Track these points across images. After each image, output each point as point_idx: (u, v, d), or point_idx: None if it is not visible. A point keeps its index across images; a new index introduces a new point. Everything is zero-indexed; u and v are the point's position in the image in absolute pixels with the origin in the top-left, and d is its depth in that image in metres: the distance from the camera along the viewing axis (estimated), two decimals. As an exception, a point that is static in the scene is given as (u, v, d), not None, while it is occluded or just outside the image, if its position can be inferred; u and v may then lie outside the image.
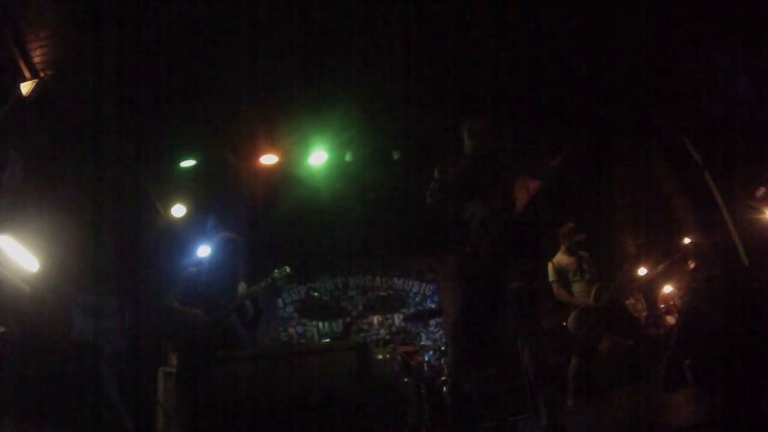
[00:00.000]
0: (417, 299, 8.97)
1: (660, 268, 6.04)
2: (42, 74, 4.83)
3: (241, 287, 4.36)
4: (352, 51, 5.25)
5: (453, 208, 3.51)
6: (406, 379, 5.45)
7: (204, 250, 7.08)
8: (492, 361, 3.19)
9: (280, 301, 8.58)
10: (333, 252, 8.62)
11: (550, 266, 5.43)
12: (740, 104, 5.17)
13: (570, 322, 5.29)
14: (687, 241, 6.33)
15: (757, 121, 5.03)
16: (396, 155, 6.65)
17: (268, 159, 6.48)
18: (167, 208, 6.88)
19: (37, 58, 4.73)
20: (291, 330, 8.52)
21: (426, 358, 5.95)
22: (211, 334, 3.99)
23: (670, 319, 6.67)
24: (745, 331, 3.82)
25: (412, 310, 8.59)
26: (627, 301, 6.95)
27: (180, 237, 6.97)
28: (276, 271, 4.39)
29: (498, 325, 3.22)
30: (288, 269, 4.39)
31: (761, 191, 5.41)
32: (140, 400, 5.33)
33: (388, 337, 7.71)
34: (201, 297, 4.13)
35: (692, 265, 5.72)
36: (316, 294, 8.56)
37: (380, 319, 8.60)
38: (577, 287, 5.37)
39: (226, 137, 6.29)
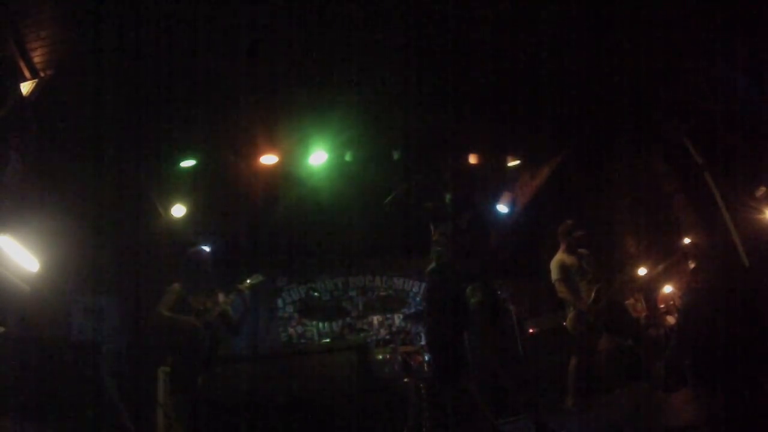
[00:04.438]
0: (417, 299, 8.96)
1: (660, 268, 6.05)
2: (42, 74, 4.83)
3: (221, 298, 4.41)
4: (353, 51, 5.25)
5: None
6: (406, 379, 5.45)
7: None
8: (464, 373, 3.22)
9: (280, 301, 8.58)
10: (333, 252, 8.62)
11: (553, 265, 5.42)
12: (740, 104, 5.17)
13: (569, 322, 5.28)
14: (687, 241, 6.34)
15: (757, 121, 5.03)
16: (396, 155, 6.65)
17: (268, 159, 6.47)
18: (167, 208, 6.88)
19: (37, 58, 4.73)
20: (291, 330, 8.52)
21: (426, 358, 5.94)
22: (202, 338, 4.03)
23: (670, 319, 6.67)
24: (745, 331, 3.82)
25: (412, 310, 8.58)
26: (627, 301, 6.95)
27: (180, 237, 6.96)
28: (248, 281, 4.49)
29: (464, 339, 3.29)
30: (260, 276, 4.50)
31: (761, 191, 5.41)
32: (140, 400, 5.32)
33: (388, 337, 7.72)
34: (188, 309, 4.17)
35: (692, 265, 5.72)
36: (316, 294, 8.56)
37: (380, 319, 8.59)
38: (578, 287, 5.36)
39: (226, 137, 6.29)
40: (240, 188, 6.96)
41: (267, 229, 7.64)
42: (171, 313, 4.11)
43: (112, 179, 6.06)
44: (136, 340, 6.10)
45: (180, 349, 4.08)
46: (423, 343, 7.69)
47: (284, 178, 6.90)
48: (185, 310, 4.16)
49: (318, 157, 6.55)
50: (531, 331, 6.74)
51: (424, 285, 9.05)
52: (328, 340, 7.88)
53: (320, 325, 8.52)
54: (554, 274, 5.38)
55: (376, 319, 8.58)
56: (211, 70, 5.24)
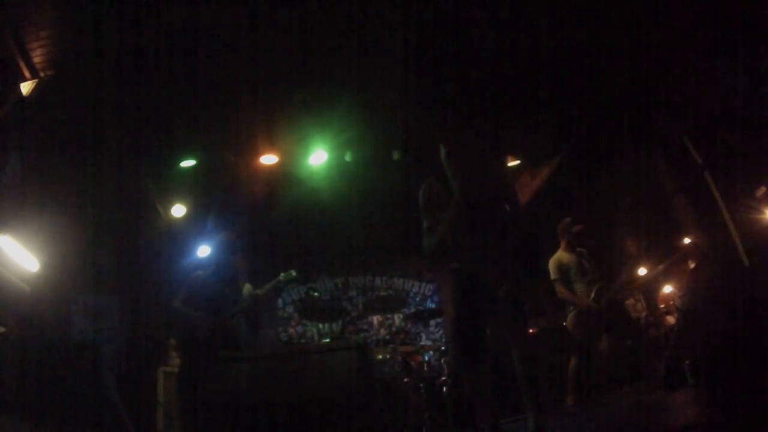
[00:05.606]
0: (417, 299, 8.97)
1: (660, 268, 6.04)
2: (42, 74, 4.83)
3: (246, 289, 4.43)
4: (352, 51, 5.25)
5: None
6: (406, 379, 5.45)
7: (204, 250, 7.08)
8: (483, 362, 3.17)
9: (280, 301, 8.58)
10: (333, 252, 8.62)
11: (551, 264, 5.41)
12: (740, 104, 5.17)
13: (569, 321, 5.27)
14: (687, 241, 6.33)
15: (757, 122, 5.03)
16: (396, 155, 6.65)
17: (268, 159, 6.48)
18: (167, 208, 6.88)
19: (37, 58, 4.73)
20: (291, 330, 8.53)
21: (426, 358, 5.94)
22: (213, 336, 4.05)
23: (670, 319, 6.66)
24: (745, 332, 3.82)
25: (412, 310, 8.59)
26: (627, 301, 6.95)
27: (180, 237, 6.97)
28: (282, 274, 4.62)
29: (488, 329, 3.21)
30: (294, 273, 4.62)
31: (761, 191, 5.41)
32: (140, 400, 5.33)
33: (388, 337, 7.72)
34: (205, 299, 4.19)
35: (692, 265, 5.71)
36: (316, 294, 8.57)
37: (380, 319, 8.60)
38: (577, 287, 5.36)
39: (226, 137, 6.29)
40: (240, 188, 6.96)
41: (267, 230, 7.64)
42: (183, 306, 4.16)
43: (112, 179, 6.06)
44: (136, 340, 6.11)
45: (187, 344, 4.11)
46: (423, 343, 7.71)
47: (284, 178, 6.90)
48: (201, 304, 4.20)
49: (318, 157, 6.55)
50: (531, 331, 6.74)
51: (424, 284, 9.08)
52: (328, 340, 7.88)
53: (320, 325, 8.53)
54: (552, 274, 5.38)
55: (376, 319, 8.59)
56: (211, 70, 5.24)
